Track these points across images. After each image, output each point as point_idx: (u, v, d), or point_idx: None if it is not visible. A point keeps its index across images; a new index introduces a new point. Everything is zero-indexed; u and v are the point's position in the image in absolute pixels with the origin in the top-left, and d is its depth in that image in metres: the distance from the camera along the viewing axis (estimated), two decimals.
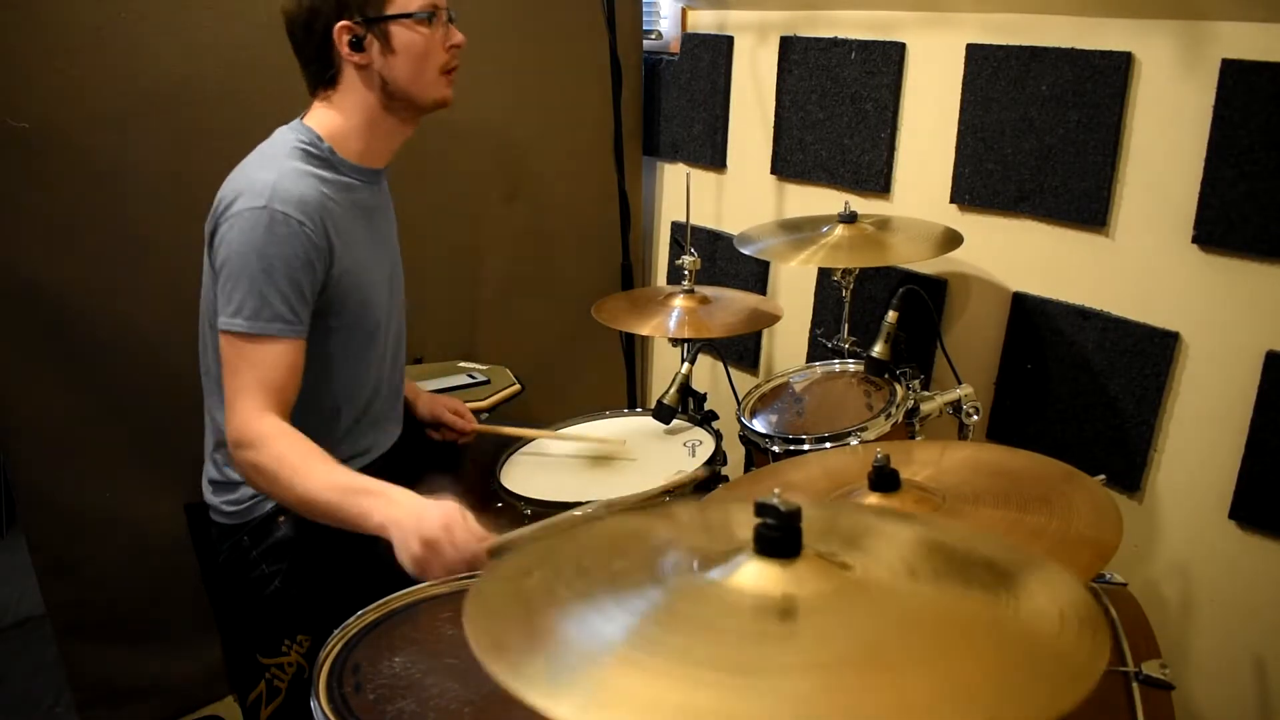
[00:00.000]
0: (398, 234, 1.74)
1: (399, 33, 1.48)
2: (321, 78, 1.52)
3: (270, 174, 1.43)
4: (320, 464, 1.37)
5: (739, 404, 1.89)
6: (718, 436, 1.87)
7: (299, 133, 1.52)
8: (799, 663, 0.67)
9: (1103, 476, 1.23)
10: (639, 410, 2.05)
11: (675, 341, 2.59)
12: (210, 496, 1.60)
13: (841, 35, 2.25)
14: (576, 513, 1.42)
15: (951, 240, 1.87)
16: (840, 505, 1.07)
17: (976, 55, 1.98)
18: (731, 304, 2.09)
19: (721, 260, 2.67)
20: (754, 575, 0.75)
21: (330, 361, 1.54)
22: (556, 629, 0.71)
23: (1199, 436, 1.74)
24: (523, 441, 1.89)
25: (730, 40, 2.54)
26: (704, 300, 2.05)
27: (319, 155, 1.51)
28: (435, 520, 1.27)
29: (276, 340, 1.40)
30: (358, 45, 1.48)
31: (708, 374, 2.72)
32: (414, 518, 1.28)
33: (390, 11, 1.47)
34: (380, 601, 1.28)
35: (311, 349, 1.48)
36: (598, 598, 0.74)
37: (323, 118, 1.54)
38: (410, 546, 1.27)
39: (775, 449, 1.72)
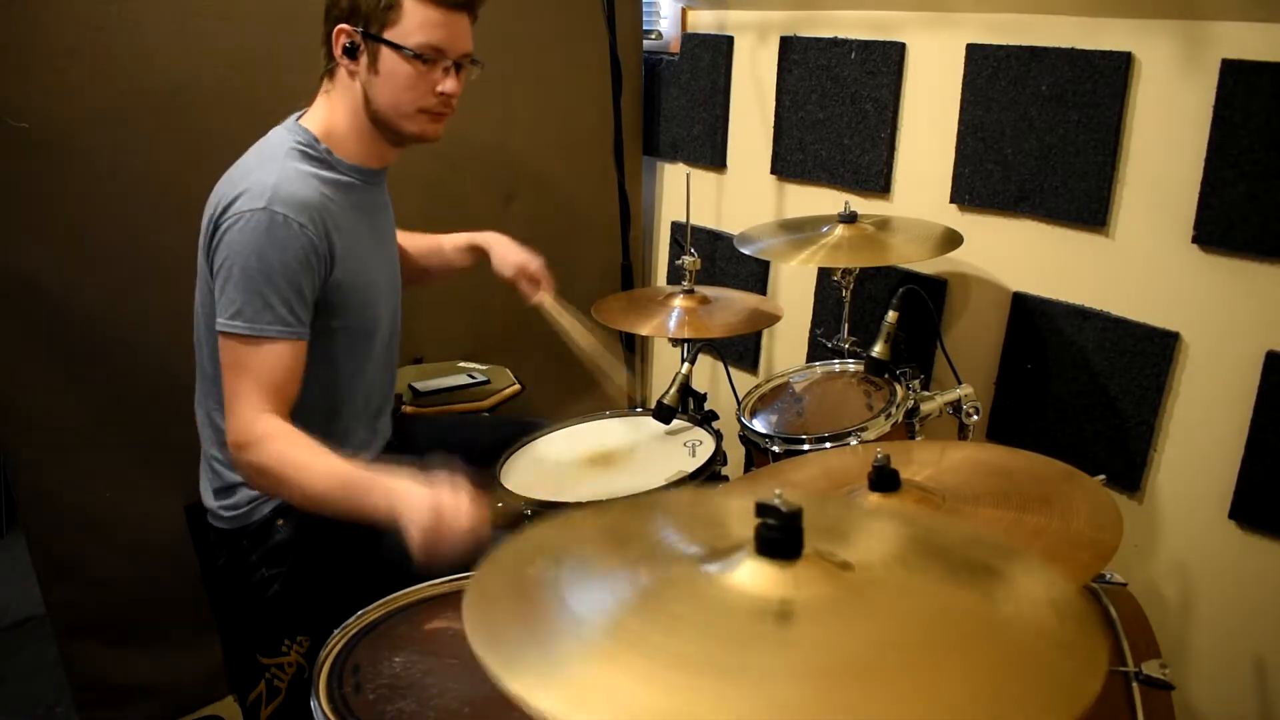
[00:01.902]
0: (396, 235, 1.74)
1: (388, 57, 1.47)
2: (327, 64, 1.53)
3: (270, 175, 1.43)
4: (321, 460, 1.37)
5: (739, 404, 1.89)
6: (718, 436, 1.87)
7: (296, 133, 1.52)
8: (791, 668, 0.66)
9: (1103, 476, 1.23)
10: (639, 410, 2.05)
11: (675, 341, 2.59)
12: (209, 500, 1.59)
13: (841, 35, 2.24)
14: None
15: (951, 240, 1.87)
16: (828, 499, 1.07)
17: (976, 55, 1.98)
18: (731, 304, 2.09)
19: (721, 260, 2.67)
20: (752, 575, 0.75)
21: (333, 362, 1.54)
22: (550, 621, 0.71)
23: (1199, 436, 1.74)
24: (523, 441, 1.89)
25: (730, 40, 2.54)
26: (704, 300, 2.05)
27: (316, 156, 1.51)
28: (424, 509, 1.26)
29: (276, 342, 1.40)
30: (351, 53, 1.48)
31: (708, 374, 2.72)
32: (410, 507, 1.27)
33: (387, 36, 1.46)
34: (380, 601, 1.28)
35: (314, 350, 1.48)
36: (593, 590, 0.74)
37: (319, 116, 1.54)
38: (412, 536, 1.26)
39: (775, 449, 1.72)
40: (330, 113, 1.54)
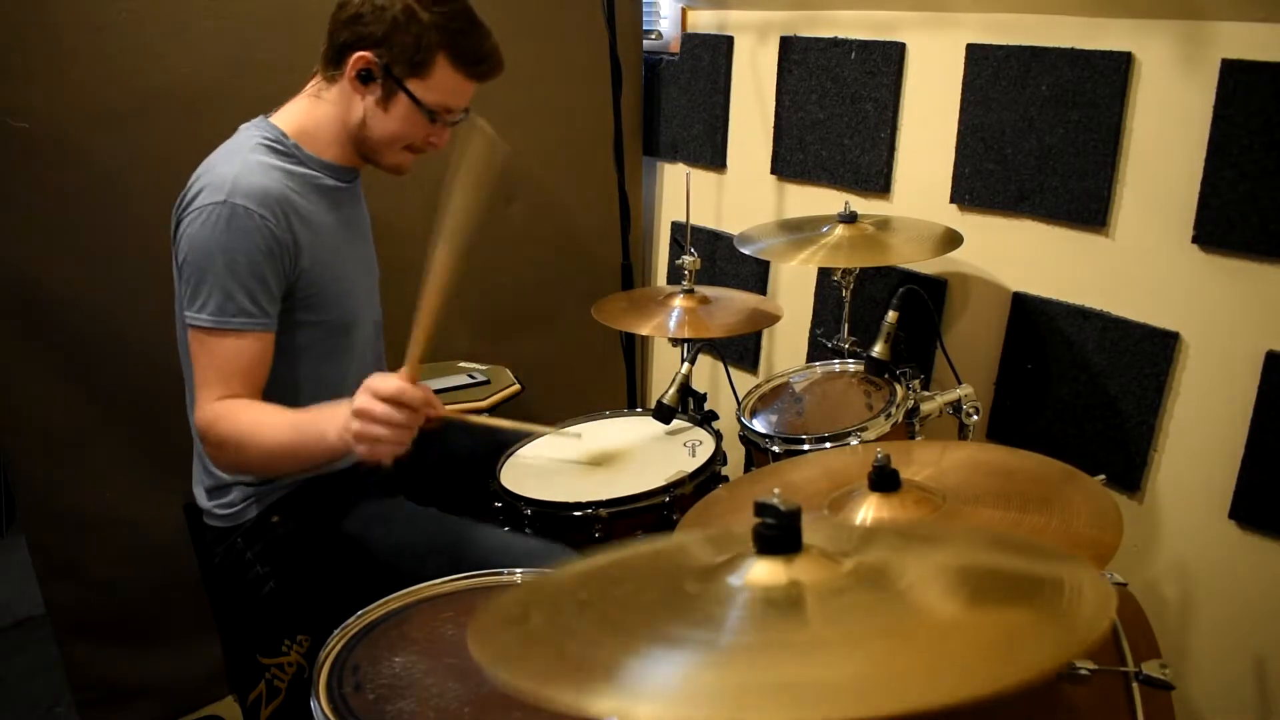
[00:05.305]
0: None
1: (401, 102, 1.50)
2: (327, 70, 1.53)
3: (232, 167, 1.43)
4: (271, 415, 1.39)
5: (739, 404, 1.89)
6: (718, 436, 1.87)
7: (263, 129, 1.53)
8: (818, 637, 0.70)
9: (1103, 476, 1.23)
10: (639, 410, 2.05)
11: (675, 341, 2.60)
12: (203, 500, 1.60)
13: (841, 35, 2.24)
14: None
15: (951, 240, 1.87)
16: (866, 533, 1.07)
17: (976, 55, 1.98)
18: (731, 304, 2.09)
19: (721, 260, 2.67)
20: (761, 572, 0.76)
21: (309, 357, 1.54)
22: (603, 655, 0.70)
23: (1199, 436, 1.74)
24: (522, 442, 1.89)
25: (730, 40, 2.54)
26: (704, 300, 2.05)
27: (283, 150, 1.52)
28: (356, 410, 1.27)
29: (242, 334, 1.41)
30: (366, 79, 1.49)
31: (708, 374, 2.72)
32: (346, 415, 1.28)
33: (410, 85, 1.49)
34: (380, 601, 1.29)
35: (290, 345, 1.48)
36: (622, 622, 0.75)
37: (295, 114, 1.55)
38: (351, 430, 1.27)
39: (775, 449, 1.72)
40: (310, 113, 1.54)
